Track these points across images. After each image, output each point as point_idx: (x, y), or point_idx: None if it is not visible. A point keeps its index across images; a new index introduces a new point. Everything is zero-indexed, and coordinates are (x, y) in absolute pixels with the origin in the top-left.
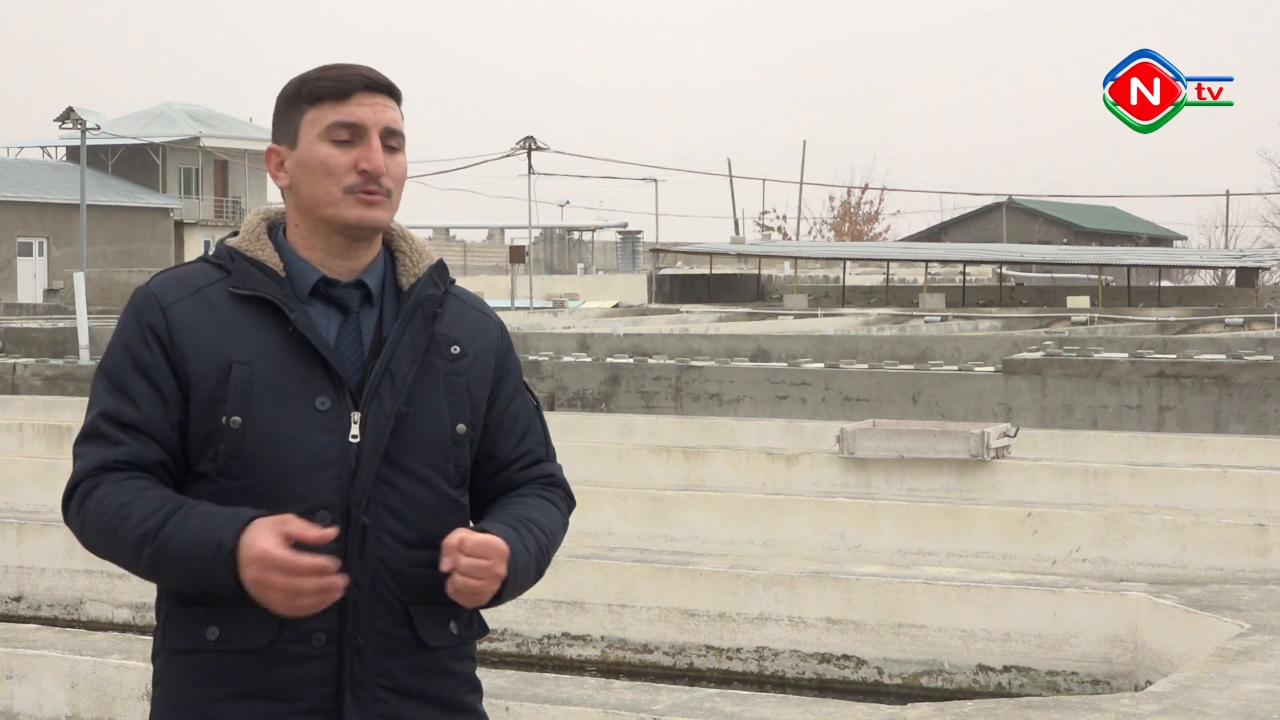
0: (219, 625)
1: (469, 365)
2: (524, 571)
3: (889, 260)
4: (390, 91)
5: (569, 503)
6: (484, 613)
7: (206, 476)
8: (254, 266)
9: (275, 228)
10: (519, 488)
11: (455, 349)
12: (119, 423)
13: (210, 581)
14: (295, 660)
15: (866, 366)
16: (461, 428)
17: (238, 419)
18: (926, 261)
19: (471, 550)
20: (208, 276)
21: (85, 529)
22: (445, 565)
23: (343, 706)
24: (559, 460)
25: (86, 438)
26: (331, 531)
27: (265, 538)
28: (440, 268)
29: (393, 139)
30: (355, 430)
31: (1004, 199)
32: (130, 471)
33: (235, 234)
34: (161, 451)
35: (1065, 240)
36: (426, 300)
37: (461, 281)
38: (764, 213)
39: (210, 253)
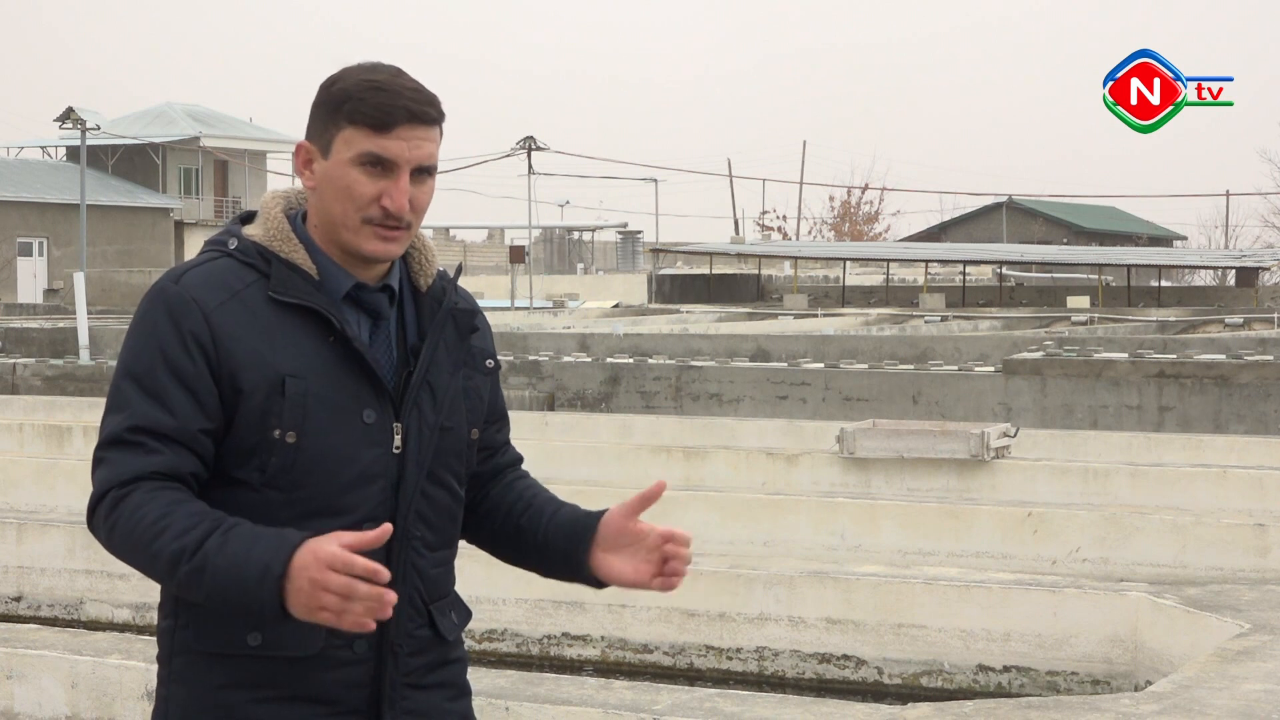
0: (262, 631)
1: (485, 375)
2: None
3: (889, 260)
4: (433, 121)
5: None
6: (484, 609)
7: (247, 484)
8: (291, 270)
9: (292, 216)
10: (500, 473)
11: (490, 363)
12: (155, 432)
13: (249, 604)
14: (336, 665)
15: (866, 366)
16: (475, 432)
17: (293, 434)
18: (926, 261)
19: (684, 541)
20: (241, 278)
21: (114, 537)
22: (680, 563)
23: (380, 708)
24: (556, 459)
25: (117, 444)
26: (386, 529)
27: (327, 543)
28: (456, 273)
29: (425, 171)
30: (398, 441)
31: (1004, 199)
32: (163, 481)
33: (244, 219)
34: (196, 463)
35: (1065, 240)
36: (460, 313)
37: (462, 281)
38: (764, 213)
39: (234, 245)
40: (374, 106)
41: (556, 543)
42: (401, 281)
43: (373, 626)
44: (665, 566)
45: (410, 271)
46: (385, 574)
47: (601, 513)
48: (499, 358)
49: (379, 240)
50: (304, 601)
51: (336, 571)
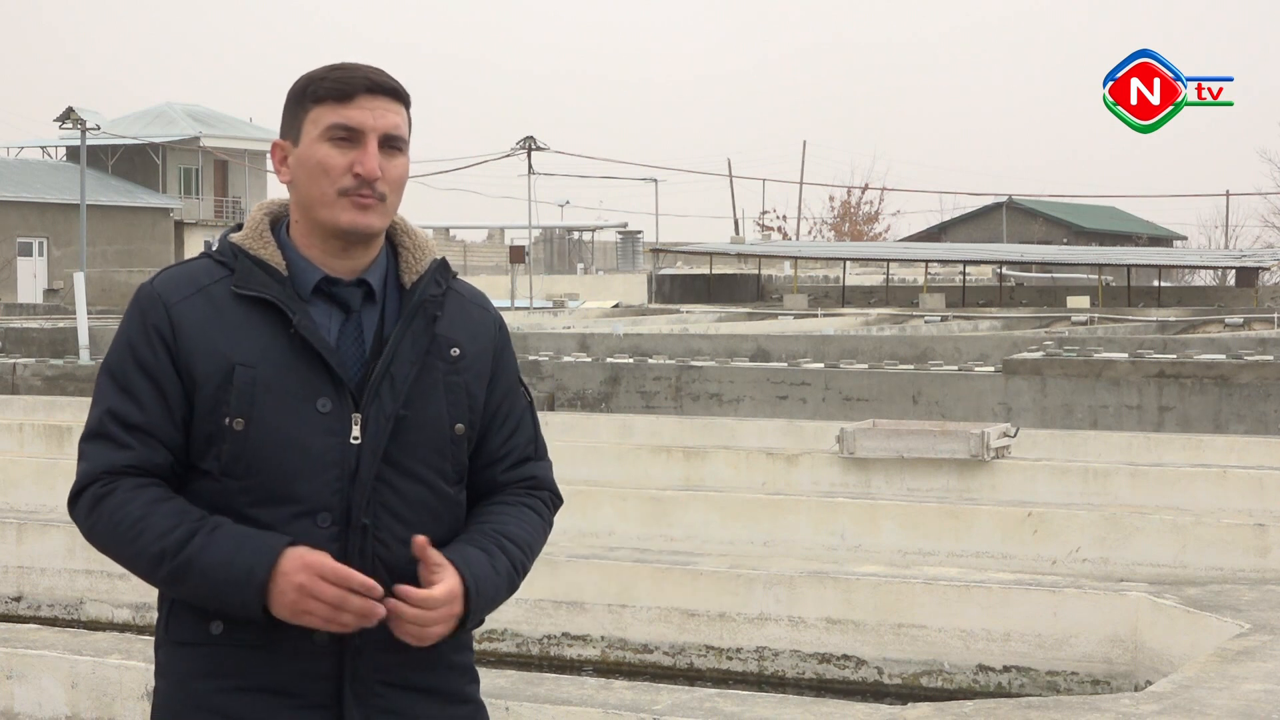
0: (223, 620)
1: (468, 365)
2: (491, 597)
3: (889, 260)
4: (395, 94)
5: (555, 503)
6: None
7: (209, 475)
8: (257, 265)
9: (279, 223)
10: (503, 489)
11: (455, 351)
12: (125, 424)
13: (231, 605)
14: (297, 656)
15: (866, 366)
16: (460, 428)
17: (241, 421)
18: (926, 261)
19: (418, 602)
20: (211, 274)
21: (95, 533)
22: (387, 612)
23: (343, 703)
24: (556, 459)
25: (92, 436)
26: (373, 585)
27: (314, 553)
28: (443, 265)
29: (393, 142)
30: (356, 432)
31: (1004, 199)
32: (142, 478)
33: (239, 227)
34: (167, 454)
35: (1065, 240)
36: (428, 301)
37: None
38: (764, 213)
39: (215, 247)
40: (335, 81)
41: None
42: (388, 277)
43: (364, 625)
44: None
45: (398, 268)
46: (379, 590)
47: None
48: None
49: (355, 210)
50: (289, 604)
51: (328, 582)
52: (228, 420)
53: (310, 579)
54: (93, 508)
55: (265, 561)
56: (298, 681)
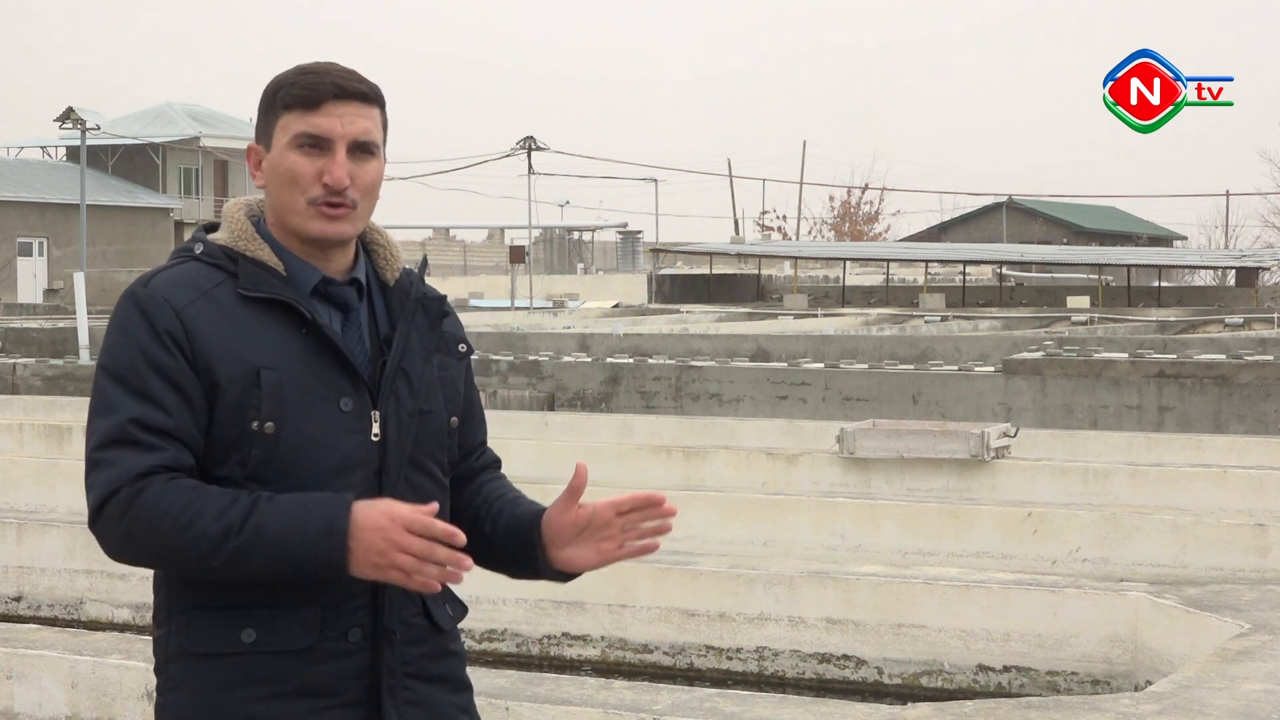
0: (255, 628)
1: (461, 361)
2: None
3: (889, 260)
4: (364, 98)
5: None
6: (484, 609)
7: (229, 480)
8: (258, 268)
9: (256, 222)
10: (477, 474)
11: (462, 347)
12: (152, 429)
13: (308, 562)
14: (332, 656)
15: (866, 366)
16: (455, 420)
17: (271, 424)
18: (926, 261)
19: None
20: (209, 278)
21: (134, 532)
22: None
23: (380, 698)
24: (556, 459)
25: (115, 444)
26: (434, 507)
27: (394, 504)
28: (423, 266)
29: (364, 147)
30: (376, 429)
31: (1004, 199)
32: (173, 473)
33: (210, 228)
34: (192, 459)
35: (1065, 240)
36: (429, 300)
37: (461, 281)
38: (764, 213)
39: (197, 249)
40: (303, 87)
41: (507, 548)
42: (369, 276)
43: (438, 587)
44: (629, 534)
45: (376, 267)
46: (462, 537)
47: (542, 513)
48: (479, 354)
49: (325, 220)
50: (374, 559)
51: (415, 533)
52: (255, 424)
53: (397, 531)
54: (127, 508)
55: (343, 513)
56: (335, 681)
